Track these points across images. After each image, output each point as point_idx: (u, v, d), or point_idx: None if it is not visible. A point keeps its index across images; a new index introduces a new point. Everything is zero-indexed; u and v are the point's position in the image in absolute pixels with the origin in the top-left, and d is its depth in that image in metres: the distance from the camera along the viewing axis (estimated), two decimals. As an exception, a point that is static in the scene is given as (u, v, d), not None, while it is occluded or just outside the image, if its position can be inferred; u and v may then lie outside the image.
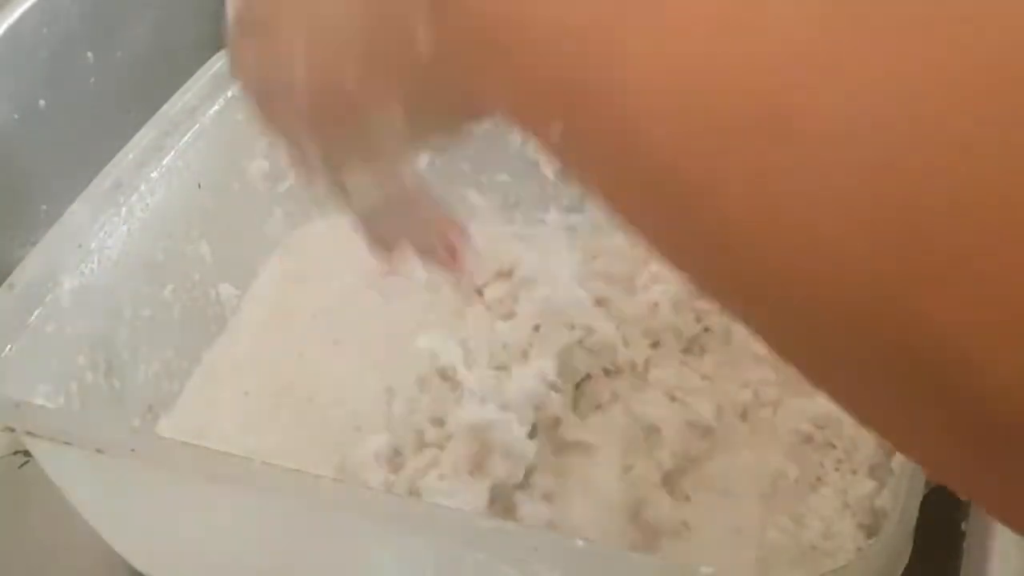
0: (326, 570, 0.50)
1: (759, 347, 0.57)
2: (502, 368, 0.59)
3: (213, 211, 0.63)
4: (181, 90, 0.61)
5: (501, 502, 0.54)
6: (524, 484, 0.54)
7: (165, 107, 0.60)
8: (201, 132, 0.61)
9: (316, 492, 0.45)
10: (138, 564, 0.55)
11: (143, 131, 0.59)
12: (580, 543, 0.41)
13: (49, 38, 0.68)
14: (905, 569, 0.41)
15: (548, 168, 0.64)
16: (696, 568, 0.40)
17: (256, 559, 0.51)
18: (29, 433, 0.47)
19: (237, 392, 0.62)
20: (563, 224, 0.66)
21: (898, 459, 0.51)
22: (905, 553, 0.41)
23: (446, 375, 0.58)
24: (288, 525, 0.48)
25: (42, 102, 0.67)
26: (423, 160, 0.65)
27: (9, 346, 0.51)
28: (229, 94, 0.62)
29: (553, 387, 0.57)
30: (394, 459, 0.57)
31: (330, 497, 0.45)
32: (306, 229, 0.69)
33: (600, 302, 0.59)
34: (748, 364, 0.57)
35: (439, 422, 0.57)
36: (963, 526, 0.50)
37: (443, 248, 0.46)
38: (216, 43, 0.65)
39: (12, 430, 0.47)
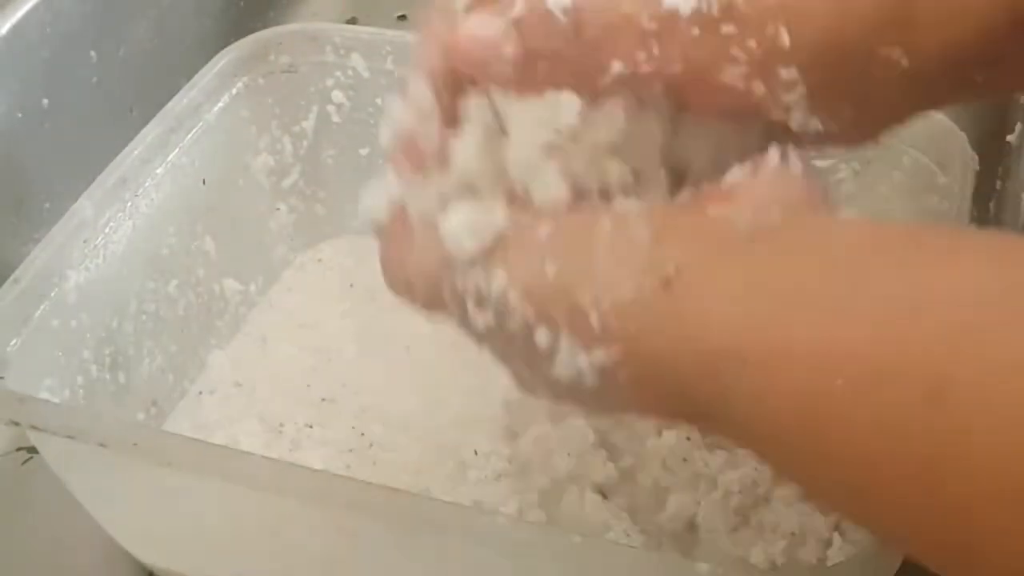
0: (328, 565, 0.50)
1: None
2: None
3: (217, 207, 0.63)
4: (186, 87, 0.61)
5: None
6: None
7: (170, 104, 0.60)
8: (206, 129, 0.61)
9: (318, 487, 0.45)
10: (142, 557, 0.55)
11: (148, 127, 0.59)
12: (577, 539, 0.41)
13: (52, 37, 0.68)
14: (904, 568, 0.41)
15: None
16: (693, 564, 0.40)
17: (258, 553, 0.51)
18: (33, 427, 0.47)
19: (237, 387, 0.63)
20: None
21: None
22: (900, 553, 0.41)
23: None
24: (290, 520, 0.48)
25: (45, 101, 0.67)
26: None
27: (14, 340, 0.51)
28: (234, 91, 0.63)
29: None
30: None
31: (332, 493, 0.45)
32: (328, 239, 0.70)
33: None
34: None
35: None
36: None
37: None
38: (218, 41, 0.65)
39: (17, 424, 0.47)
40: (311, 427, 0.60)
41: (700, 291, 0.33)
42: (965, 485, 0.27)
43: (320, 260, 0.69)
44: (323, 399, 0.61)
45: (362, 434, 0.59)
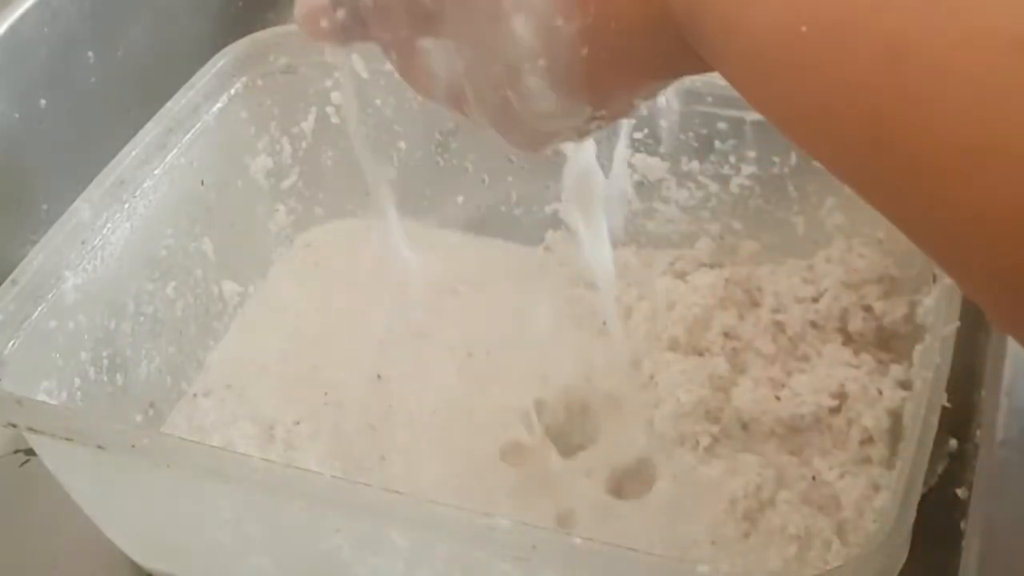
0: (326, 567, 0.50)
1: (764, 345, 0.58)
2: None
3: (216, 208, 0.63)
4: (184, 87, 0.61)
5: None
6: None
7: (168, 104, 0.60)
8: (204, 129, 0.61)
9: (316, 489, 0.45)
10: (140, 560, 0.55)
11: (146, 128, 0.59)
12: (578, 540, 0.41)
13: (50, 37, 0.67)
14: (904, 568, 0.41)
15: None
16: (693, 566, 0.40)
17: (256, 555, 0.51)
18: (31, 429, 0.47)
19: (235, 389, 0.62)
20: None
21: (897, 460, 0.51)
22: (902, 553, 0.41)
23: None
24: (287, 521, 0.48)
25: (43, 101, 0.67)
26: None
27: (12, 342, 0.51)
28: (232, 92, 0.63)
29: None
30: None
31: (329, 494, 0.45)
32: (313, 228, 0.69)
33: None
34: (754, 358, 0.57)
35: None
36: (962, 526, 0.50)
37: None
38: (216, 42, 0.65)
39: (14, 426, 0.47)
40: (307, 427, 0.60)
41: None
42: (913, 143, 0.28)
43: (318, 262, 0.69)
44: (320, 398, 0.61)
45: (359, 432, 0.59)
